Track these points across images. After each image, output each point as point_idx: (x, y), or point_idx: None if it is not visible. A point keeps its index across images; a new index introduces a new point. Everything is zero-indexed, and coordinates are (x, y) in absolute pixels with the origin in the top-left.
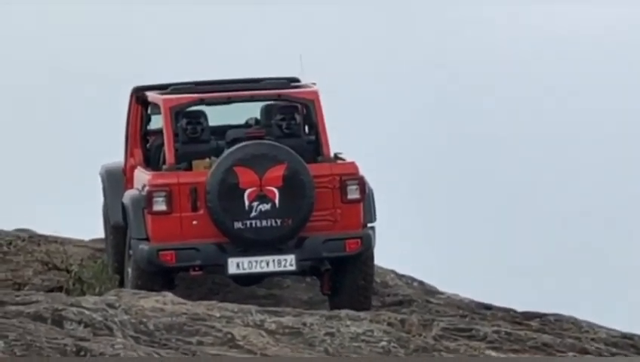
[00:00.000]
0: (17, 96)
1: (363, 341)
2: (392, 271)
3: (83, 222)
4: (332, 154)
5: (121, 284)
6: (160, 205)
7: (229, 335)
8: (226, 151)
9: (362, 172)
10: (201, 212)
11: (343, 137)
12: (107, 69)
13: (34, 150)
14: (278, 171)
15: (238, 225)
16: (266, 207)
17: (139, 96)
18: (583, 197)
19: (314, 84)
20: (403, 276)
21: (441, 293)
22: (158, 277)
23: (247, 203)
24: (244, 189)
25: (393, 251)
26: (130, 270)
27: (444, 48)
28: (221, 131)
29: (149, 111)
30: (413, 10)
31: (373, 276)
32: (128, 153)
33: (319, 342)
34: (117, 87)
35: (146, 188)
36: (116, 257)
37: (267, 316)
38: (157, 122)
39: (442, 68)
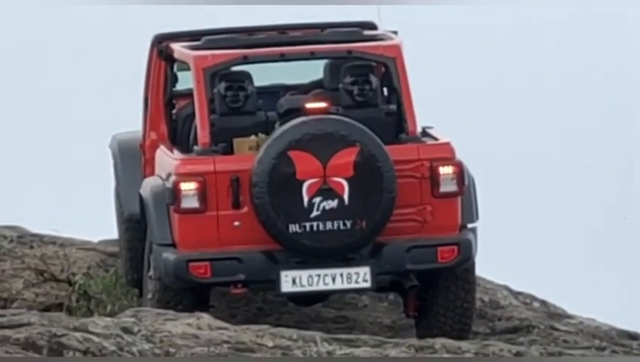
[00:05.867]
0: None
1: None
2: (505, 288)
3: (90, 217)
4: (419, 131)
5: (141, 298)
6: (190, 201)
7: None
8: (279, 130)
9: (460, 155)
10: (245, 210)
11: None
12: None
13: (20, 126)
14: (347, 156)
15: (294, 228)
16: (332, 204)
17: (162, 50)
18: None
19: (395, 33)
20: (520, 293)
21: (571, 317)
22: (189, 295)
23: (306, 199)
24: (302, 181)
25: (506, 261)
26: (150, 283)
27: None
28: (271, 95)
29: (175, 69)
30: None
31: (475, 294)
32: (148, 123)
33: None
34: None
35: (172, 178)
36: (132, 263)
37: (337, 346)
38: (186, 81)
39: None
